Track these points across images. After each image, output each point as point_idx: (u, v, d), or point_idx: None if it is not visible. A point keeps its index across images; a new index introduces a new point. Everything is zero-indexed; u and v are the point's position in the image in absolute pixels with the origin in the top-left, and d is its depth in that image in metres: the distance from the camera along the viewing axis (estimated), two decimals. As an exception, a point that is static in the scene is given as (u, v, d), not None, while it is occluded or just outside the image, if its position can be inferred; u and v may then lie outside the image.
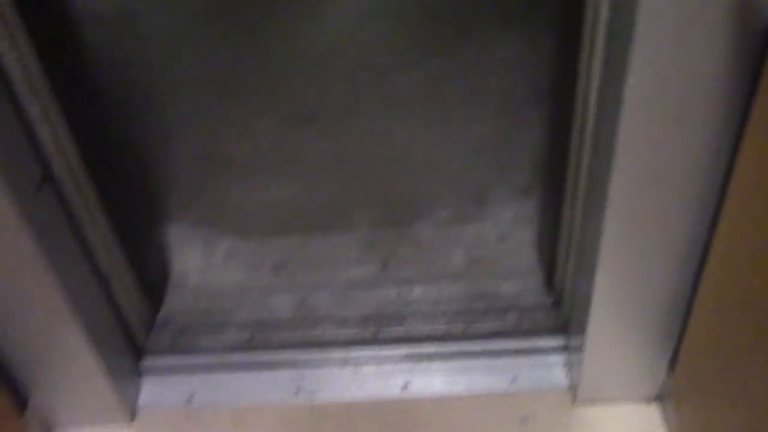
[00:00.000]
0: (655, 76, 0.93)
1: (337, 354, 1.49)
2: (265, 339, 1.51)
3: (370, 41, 2.30)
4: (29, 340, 1.24)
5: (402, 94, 2.11)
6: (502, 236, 1.67)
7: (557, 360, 1.44)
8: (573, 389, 1.38)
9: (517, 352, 1.45)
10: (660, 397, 1.36)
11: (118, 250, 1.37)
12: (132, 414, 1.42)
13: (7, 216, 1.03)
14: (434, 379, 1.43)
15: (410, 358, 1.47)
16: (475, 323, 1.50)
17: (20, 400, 1.32)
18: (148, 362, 1.51)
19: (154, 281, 1.60)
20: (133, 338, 1.49)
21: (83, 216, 1.25)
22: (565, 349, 1.45)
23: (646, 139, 1.00)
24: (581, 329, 1.29)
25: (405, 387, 1.42)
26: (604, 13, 1.02)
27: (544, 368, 1.43)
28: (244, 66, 2.22)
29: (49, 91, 1.12)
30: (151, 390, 1.47)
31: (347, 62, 2.32)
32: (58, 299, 1.16)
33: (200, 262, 1.69)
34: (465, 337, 1.48)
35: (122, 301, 1.42)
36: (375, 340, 1.49)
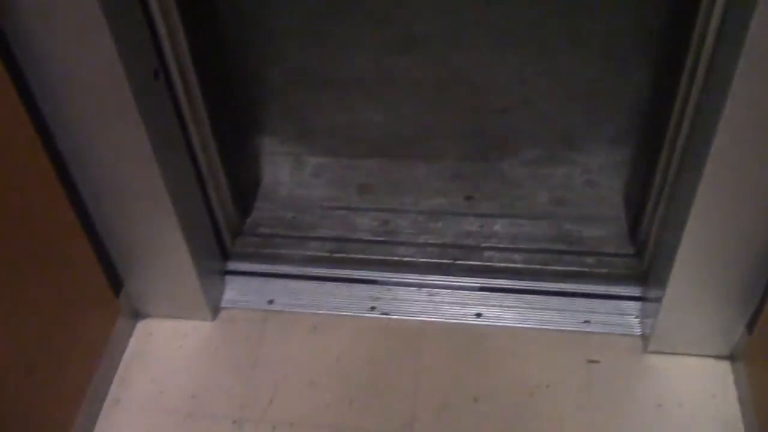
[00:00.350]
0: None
1: (414, 277, 1.52)
2: (345, 255, 1.56)
3: (475, -27, 2.26)
4: (129, 228, 1.32)
5: (504, 29, 2.09)
6: (590, 181, 1.66)
7: (632, 308, 1.44)
8: (645, 338, 1.39)
9: (592, 296, 1.46)
10: (733, 356, 1.35)
11: (216, 153, 1.43)
12: (214, 312, 1.50)
13: (125, 101, 1.09)
14: (507, 312, 1.46)
15: (485, 289, 1.50)
16: (552, 263, 1.51)
17: (116, 285, 1.41)
18: (232, 265, 1.58)
19: (244, 189, 1.66)
20: (221, 241, 1.56)
21: (189, 114, 1.30)
22: (641, 299, 1.45)
23: (764, 82, 0.98)
24: (662, 281, 1.28)
25: (478, 315, 1.45)
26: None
27: (618, 315, 1.44)
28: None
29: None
30: (234, 292, 1.54)
31: (449, -6, 2.25)
32: (160, 190, 1.22)
33: (290, 176, 1.74)
34: (541, 275, 1.50)
35: (215, 204, 1.48)
36: (452, 269, 1.52)
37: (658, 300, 1.30)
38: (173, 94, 1.25)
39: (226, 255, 1.58)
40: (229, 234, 1.58)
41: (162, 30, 1.16)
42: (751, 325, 1.28)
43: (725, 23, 1.03)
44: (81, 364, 1.31)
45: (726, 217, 1.15)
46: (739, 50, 0.95)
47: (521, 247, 1.55)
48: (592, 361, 1.37)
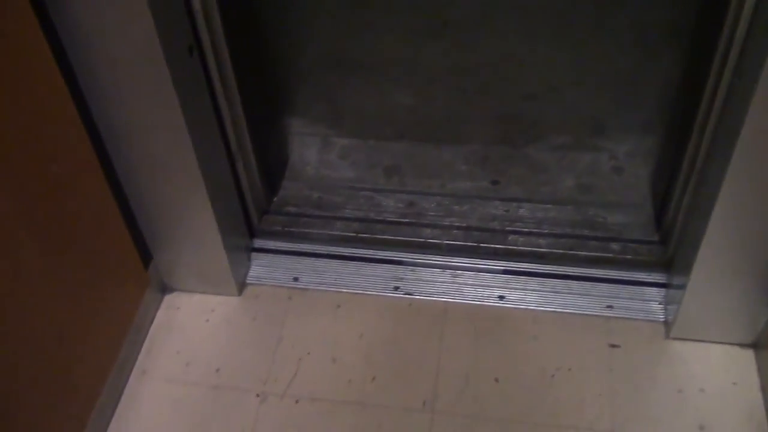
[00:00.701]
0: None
1: (438, 259, 1.54)
2: (371, 236, 1.57)
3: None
4: (160, 202, 1.34)
5: (534, 16, 2.09)
6: (617, 168, 1.66)
7: (655, 294, 1.45)
8: (667, 324, 1.39)
9: (616, 282, 1.46)
10: (756, 345, 1.35)
11: (247, 131, 1.45)
12: (240, 288, 1.52)
13: (161, 75, 1.11)
14: (529, 295, 1.47)
15: (509, 272, 1.51)
16: (577, 248, 1.51)
17: (145, 258, 1.44)
18: (259, 243, 1.61)
19: (272, 168, 1.68)
20: (249, 218, 1.58)
21: (221, 91, 1.32)
22: (665, 285, 1.45)
23: None
24: (686, 268, 1.28)
25: (501, 298, 1.47)
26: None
27: (641, 301, 1.44)
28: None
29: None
30: (260, 269, 1.56)
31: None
32: (192, 165, 1.25)
33: (317, 156, 1.75)
34: (565, 259, 1.50)
35: (243, 182, 1.51)
36: (476, 251, 1.53)
37: (682, 287, 1.30)
38: (206, 71, 1.28)
39: (252, 232, 1.61)
40: (257, 212, 1.60)
41: (197, 6, 1.18)
42: (775, 314, 1.28)
43: (759, 9, 1.03)
44: (110, 334, 1.34)
45: (752, 205, 1.15)
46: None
47: (546, 231, 1.55)
48: (614, 346, 1.38)
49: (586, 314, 1.43)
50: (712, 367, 1.34)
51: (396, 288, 1.50)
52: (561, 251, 1.51)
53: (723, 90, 1.17)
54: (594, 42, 1.97)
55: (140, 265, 1.42)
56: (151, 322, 1.48)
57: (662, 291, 1.45)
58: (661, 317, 1.41)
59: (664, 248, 1.49)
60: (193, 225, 1.38)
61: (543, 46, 1.99)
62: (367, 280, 1.52)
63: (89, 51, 1.10)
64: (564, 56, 1.95)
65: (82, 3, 1.04)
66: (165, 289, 1.53)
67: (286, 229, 1.61)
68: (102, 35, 1.07)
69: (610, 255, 1.50)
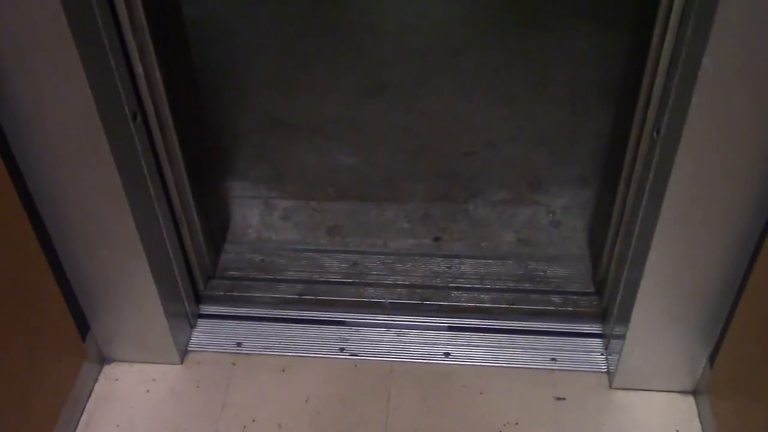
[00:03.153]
0: (727, 76, 0.96)
1: (383, 318, 1.53)
2: (315, 297, 1.56)
3: (441, 22, 2.34)
4: (97, 269, 1.31)
5: (469, 76, 2.15)
6: (555, 221, 1.70)
7: (597, 345, 1.46)
8: (610, 374, 1.40)
9: (559, 334, 1.48)
10: (697, 391, 1.37)
11: (190, 195, 1.44)
12: (182, 356, 1.49)
13: (100, 141, 1.10)
14: (475, 351, 1.47)
15: (453, 329, 1.51)
16: (519, 302, 1.53)
17: (82, 328, 1.40)
18: (201, 308, 1.58)
19: (215, 232, 1.67)
20: (192, 283, 1.56)
21: (165, 156, 1.31)
22: (603, 336, 1.47)
23: (708, 139, 1.03)
24: (625, 318, 1.31)
25: (446, 355, 1.46)
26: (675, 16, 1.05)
27: (584, 352, 1.45)
28: (318, 39, 2.29)
29: (147, 32, 1.18)
30: (202, 335, 1.53)
31: (417, 41, 2.36)
32: (129, 229, 1.23)
33: (259, 218, 1.75)
34: (508, 314, 1.52)
35: (188, 246, 1.49)
36: (421, 308, 1.54)
37: (622, 336, 1.32)
38: (150, 135, 1.27)
39: (195, 298, 1.58)
40: (202, 277, 1.58)
41: (139, 71, 1.18)
42: (712, 359, 1.30)
43: (672, 66, 1.08)
44: (45, 409, 1.29)
45: (685, 253, 1.18)
46: (689, 102, 1.00)
47: (488, 286, 1.57)
48: (560, 399, 1.39)
49: (531, 368, 1.44)
50: (656, 415, 1.36)
51: (341, 349, 1.49)
52: (504, 306, 1.53)
53: (645, 143, 1.21)
54: (528, 99, 2.04)
55: (77, 335, 1.38)
56: (89, 395, 1.43)
57: (603, 341, 1.47)
58: (604, 368, 1.43)
59: (599, 299, 1.52)
60: (132, 292, 1.35)
61: (479, 104, 2.05)
62: (312, 342, 1.50)
63: (23, 117, 1.08)
64: (500, 113, 2.01)
65: (17, 68, 1.03)
66: (103, 359, 1.49)
67: (228, 293, 1.59)
68: (37, 100, 1.06)
69: (552, 308, 1.52)
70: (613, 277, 1.43)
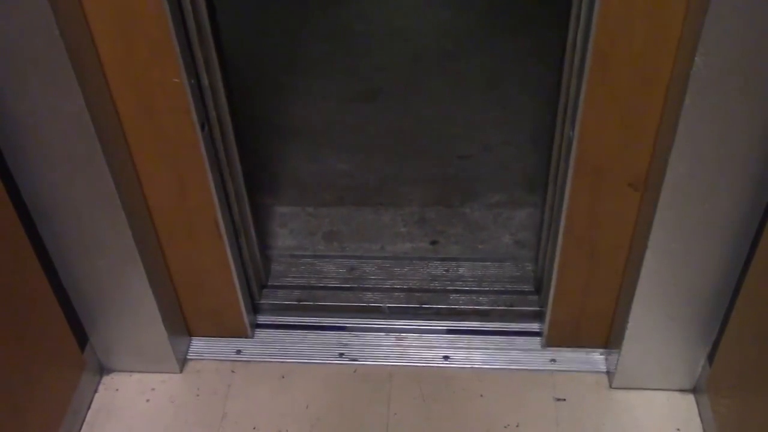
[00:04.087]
0: (719, 75, 0.96)
1: (382, 322, 1.53)
2: (313, 303, 1.56)
3: (433, 27, 2.35)
4: (94, 279, 1.31)
5: (463, 79, 2.15)
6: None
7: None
8: (610, 375, 1.41)
9: (558, 335, 1.48)
10: (697, 390, 1.37)
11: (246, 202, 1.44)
12: (181, 364, 1.48)
13: (95, 152, 1.11)
14: (474, 353, 1.47)
15: (452, 332, 1.51)
16: (517, 304, 1.53)
17: (81, 339, 1.40)
18: (200, 316, 1.58)
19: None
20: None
21: (224, 163, 1.32)
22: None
23: (702, 138, 1.03)
24: (623, 317, 1.31)
25: (445, 358, 1.47)
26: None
27: (583, 353, 1.46)
28: (313, 45, 2.29)
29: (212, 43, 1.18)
30: (201, 343, 1.53)
31: (410, 46, 2.36)
32: (126, 238, 1.23)
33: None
34: (507, 315, 1.52)
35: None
36: (419, 312, 1.54)
37: (621, 336, 1.32)
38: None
39: (193, 306, 1.58)
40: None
41: (206, 83, 1.19)
42: (711, 358, 1.31)
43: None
44: (45, 420, 1.29)
45: (679, 255, 1.19)
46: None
47: (486, 289, 1.57)
48: (560, 399, 1.39)
49: (531, 369, 1.44)
50: (656, 414, 1.36)
51: (341, 355, 1.49)
52: (502, 308, 1.53)
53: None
54: (523, 101, 2.05)
55: (75, 346, 1.38)
56: (89, 406, 1.43)
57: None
58: (604, 368, 1.43)
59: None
60: (130, 301, 1.35)
61: (474, 107, 2.06)
62: (311, 349, 1.50)
63: (17, 127, 1.09)
64: (495, 116, 2.01)
65: (8, 78, 1.03)
66: (102, 369, 1.48)
67: (227, 300, 1.59)
68: (31, 111, 1.07)
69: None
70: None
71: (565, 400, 1.39)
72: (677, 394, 1.38)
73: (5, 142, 1.11)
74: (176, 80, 1.09)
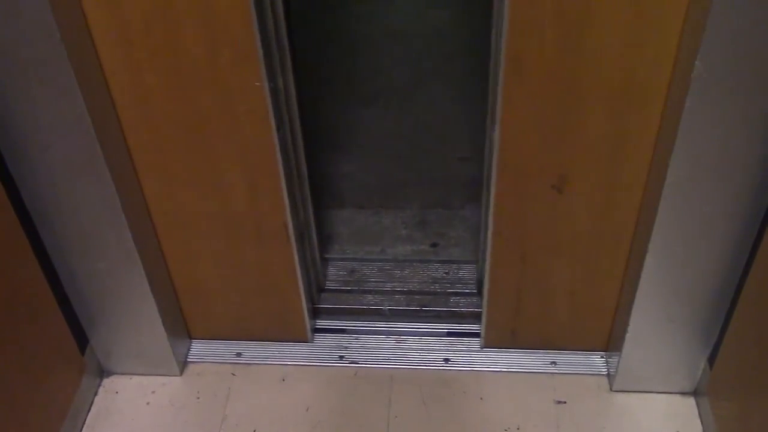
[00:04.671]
0: (719, 79, 0.96)
1: (382, 325, 1.53)
2: (313, 305, 1.56)
3: (431, 30, 2.35)
4: (94, 281, 1.31)
5: (462, 81, 2.15)
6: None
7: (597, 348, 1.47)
8: (610, 377, 1.41)
9: (558, 338, 1.48)
10: (697, 392, 1.37)
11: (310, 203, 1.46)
12: (181, 367, 1.48)
13: (95, 155, 1.12)
14: (474, 356, 1.47)
15: (452, 334, 1.51)
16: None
17: (81, 342, 1.40)
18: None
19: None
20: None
21: (292, 159, 1.33)
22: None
23: (702, 142, 1.04)
24: (624, 320, 1.31)
25: (446, 361, 1.46)
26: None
27: (583, 355, 1.45)
28: (312, 48, 2.29)
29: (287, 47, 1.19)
30: (201, 345, 1.53)
31: (409, 49, 2.36)
32: (126, 240, 1.23)
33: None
34: (507, 318, 1.52)
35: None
36: (420, 315, 1.54)
37: (621, 339, 1.32)
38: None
39: (193, 309, 1.58)
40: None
41: (281, 86, 1.20)
42: (711, 360, 1.31)
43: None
44: (45, 422, 1.29)
45: (679, 257, 1.19)
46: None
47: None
48: (560, 402, 1.39)
49: (531, 372, 1.44)
50: (656, 417, 1.36)
51: (341, 357, 1.49)
52: (503, 310, 1.53)
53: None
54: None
55: (76, 349, 1.38)
56: (89, 409, 1.43)
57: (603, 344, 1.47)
58: (604, 370, 1.43)
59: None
60: (130, 304, 1.35)
61: (473, 109, 2.05)
62: (312, 351, 1.50)
63: (15, 128, 1.09)
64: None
65: (9, 82, 1.03)
66: (102, 372, 1.48)
67: (227, 303, 1.59)
68: (31, 114, 1.07)
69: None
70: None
71: (565, 402, 1.39)
72: (678, 397, 1.38)
73: (5, 145, 1.11)
74: (257, 84, 1.09)
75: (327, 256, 1.66)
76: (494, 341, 1.47)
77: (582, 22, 1.00)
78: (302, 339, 1.51)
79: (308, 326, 1.50)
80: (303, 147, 1.33)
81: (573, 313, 1.40)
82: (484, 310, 1.42)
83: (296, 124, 1.28)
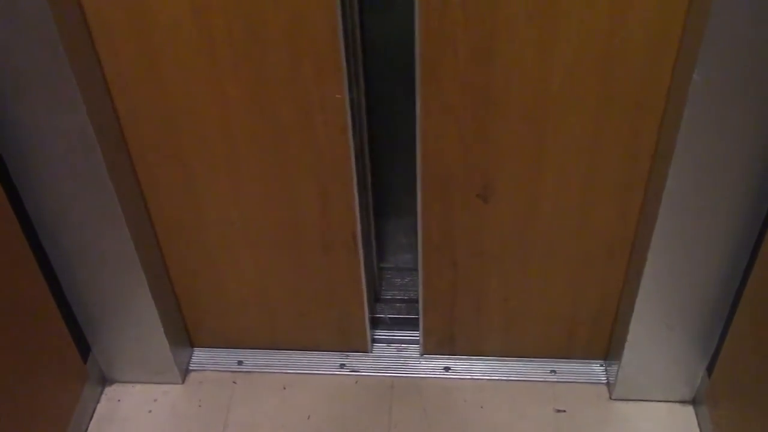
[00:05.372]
0: (717, 90, 0.97)
1: (383, 334, 1.54)
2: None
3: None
4: (97, 290, 1.32)
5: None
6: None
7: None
8: (610, 386, 1.41)
9: (558, 346, 1.49)
10: (696, 401, 1.38)
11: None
12: (183, 375, 1.49)
13: (97, 164, 1.12)
14: (475, 364, 1.48)
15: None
16: (518, 315, 1.53)
17: (83, 350, 1.40)
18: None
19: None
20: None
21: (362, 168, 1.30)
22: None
23: (701, 151, 1.05)
24: (623, 328, 1.32)
25: (446, 369, 1.47)
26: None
27: (583, 363, 1.46)
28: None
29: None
30: (203, 353, 1.54)
31: (405, 55, 2.36)
32: (128, 249, 1.24)
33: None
34: (507, 327, 1.53)
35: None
36: (419, 323, 1.54)
37: (621, 347, 1.33)
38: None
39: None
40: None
41: (354, 96, 1.19)
42: (710, 369, 1.31)
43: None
44: (48, 430, 1.30)
45: (677, 267, 1.19)
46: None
47: (487, 300, 1.57)
48: (560, 411, 1.39)
49: (531, 380, 1.45)
50: (656, 426, 1.36)
51: (342, 365, 1.49)
52: (503, 319, 1.54)
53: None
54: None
55: (78, 357, 1.38)
56: (91, 417, 1.43)
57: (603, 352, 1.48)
58: (604, 379, 1.44)
59: (601, 310, 1.52)
60: (133, 312, 1.36)
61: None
62: (313, 359, 1.51)
63: (21, 141, 1.10)
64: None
65: (15, 97, 1.05)
66: (105, 380, 1.49)
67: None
68: (36, 129, 1.08)
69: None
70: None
71: (565, 411, 1.39)
72: (677, 405, 1.39)
73: (9, 156, 1.12)
74: (338, 96, 1.10)
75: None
76: (433, 348, 1.49)
77: (492, 34, 1.02)
78: (363, 349, 1.52)
79: (369, 336, 1.50)
80: (369, 156, 1.34)
81: (508, 321, 1.41)
82: (421, 318, 1.43)
83: (365, 132, 1.28)
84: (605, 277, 1.32)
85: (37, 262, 1.23)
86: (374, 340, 1.54)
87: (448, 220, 1.26)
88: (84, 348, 1.41)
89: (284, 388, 1.46)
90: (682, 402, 1.39)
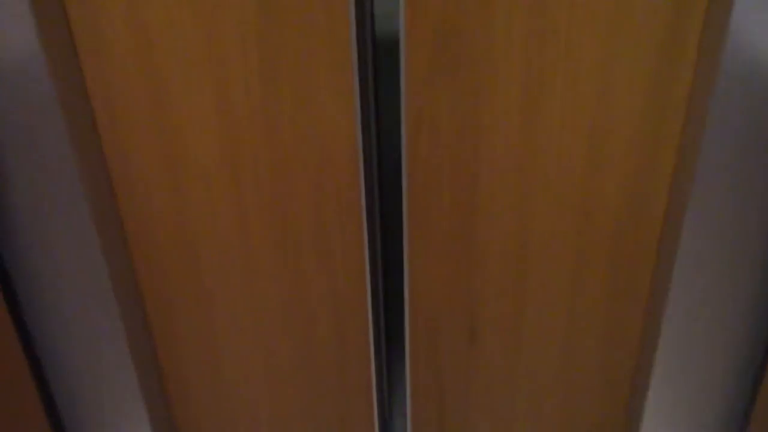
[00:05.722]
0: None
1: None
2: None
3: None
4: (94, 412, 1.28)
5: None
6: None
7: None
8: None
9: None
10: None
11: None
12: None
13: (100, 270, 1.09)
14: None
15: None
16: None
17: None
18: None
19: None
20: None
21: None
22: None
23: (709, 232, 1.04)
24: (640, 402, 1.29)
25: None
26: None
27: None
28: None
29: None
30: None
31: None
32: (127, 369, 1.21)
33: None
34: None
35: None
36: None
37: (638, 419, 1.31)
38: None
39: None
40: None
41: None
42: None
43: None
44: None
45: (691, 365, 1.19)
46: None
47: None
48: None
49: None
50: None
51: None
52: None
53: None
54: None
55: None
56: None
57: None
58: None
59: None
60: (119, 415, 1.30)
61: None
62: None
63: (24, 247, 1.07)
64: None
65: (27, 219, 1.02)
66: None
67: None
68: (38, 224, 1.05)
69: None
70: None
71: None
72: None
73: (14, 269, 1.09)
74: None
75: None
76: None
77: (473, 188, 1.05)
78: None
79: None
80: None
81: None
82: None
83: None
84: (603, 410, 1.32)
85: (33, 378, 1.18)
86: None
87: (434, 362, 1.25)
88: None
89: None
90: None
